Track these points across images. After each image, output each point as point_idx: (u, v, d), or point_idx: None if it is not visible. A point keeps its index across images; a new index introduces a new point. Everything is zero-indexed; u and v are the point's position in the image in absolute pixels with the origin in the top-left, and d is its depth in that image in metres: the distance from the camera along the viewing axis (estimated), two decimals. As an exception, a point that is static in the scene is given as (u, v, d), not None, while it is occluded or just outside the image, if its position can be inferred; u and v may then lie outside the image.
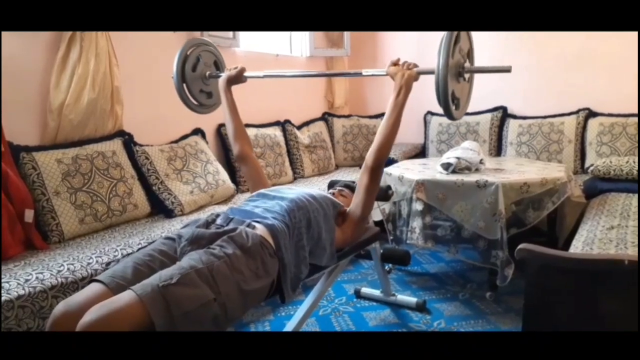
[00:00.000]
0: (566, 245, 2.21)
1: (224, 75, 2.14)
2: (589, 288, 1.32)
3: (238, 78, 2.14)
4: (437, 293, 2.67)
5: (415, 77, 1.76)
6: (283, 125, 3.81)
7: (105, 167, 2.38)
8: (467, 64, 1.73)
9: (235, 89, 2.15)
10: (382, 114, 4.38)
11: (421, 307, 2.47)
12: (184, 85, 2.18)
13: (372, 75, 1.96)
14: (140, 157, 2.61)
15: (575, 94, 3.61)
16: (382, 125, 1.77)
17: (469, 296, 2.62)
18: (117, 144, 2.53)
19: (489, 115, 3.88)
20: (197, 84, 2.23)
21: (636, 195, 2.64)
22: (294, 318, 1.96)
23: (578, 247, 1.93)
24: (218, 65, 2.33)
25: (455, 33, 1.60)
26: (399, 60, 1.81)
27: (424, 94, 4.15)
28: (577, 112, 3.54)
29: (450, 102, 1.61)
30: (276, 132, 3.65)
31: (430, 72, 1.64)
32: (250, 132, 3.35)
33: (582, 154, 3.46)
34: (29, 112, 2.31)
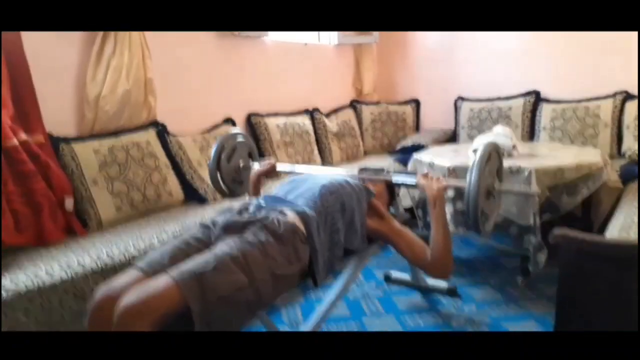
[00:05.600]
0: (601, 231, 2.16)
1: (255, 169, 2.19)
2: (626, 274, 1.30)
3: (269, 173, 2.19)
4: (468, 278, 2.66)
5: (445, 188, 1.81)
6: (312, 113, 3.82)
7: (141, 156, 2.44)
8: (496, 184, 1.79)
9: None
10: (411, 100, 4.43)
11: (452, 292, 2.46)
12: (218, 174, 2.21)
13: (403, 183, 1.99)
14: (174, 147, 2.67)
15: (612, 76, 3.48)
16: (433, 241, 1.76)
17: (500, 282, 2.60)
18: (151, 134, 2.59)
19: (521, 100, 3.80)
20: (231, 174, 2.26)
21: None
22: (324, 302, 1.99)
23: (614, 232, 1.89)
24: (252, 155, 2.38)
25: (487, 155, 1.67)
26: (427, 173, 1.89)
27: (455, 79, 4.13)
28: (614, 95, 3.43)
29: (479, 219, 1.65)
30: (305, 121, 3.66)
31: (460, 187, 1.70)
32: (279, 120, 3.38)
33: (618, 138, 3.36)
34: (67, 105, 2.39)
